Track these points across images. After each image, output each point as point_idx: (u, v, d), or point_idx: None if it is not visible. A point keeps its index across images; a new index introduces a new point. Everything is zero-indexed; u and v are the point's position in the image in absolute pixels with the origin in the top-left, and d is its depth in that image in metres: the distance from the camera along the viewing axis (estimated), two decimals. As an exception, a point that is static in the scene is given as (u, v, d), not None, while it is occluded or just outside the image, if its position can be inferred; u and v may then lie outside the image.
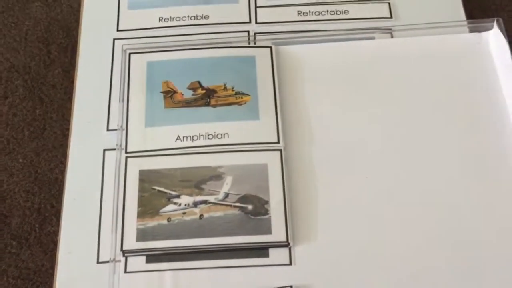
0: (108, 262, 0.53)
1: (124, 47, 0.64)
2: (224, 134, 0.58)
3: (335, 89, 0.62)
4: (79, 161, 0.59)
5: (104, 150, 0.59)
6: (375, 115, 0.60)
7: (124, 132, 0.59)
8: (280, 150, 0.57)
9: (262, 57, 0.62)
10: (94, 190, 0.57)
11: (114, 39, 0.66)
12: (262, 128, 0.58)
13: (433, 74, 0.62)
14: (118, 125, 0.59)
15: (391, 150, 0.59)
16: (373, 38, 0.64)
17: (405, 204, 0.56)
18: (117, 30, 0.67)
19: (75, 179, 0.58)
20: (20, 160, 0.63)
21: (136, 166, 0.57)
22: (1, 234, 0.59)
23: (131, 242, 0.53)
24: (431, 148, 0.60)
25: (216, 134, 0.58)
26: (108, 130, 0.60)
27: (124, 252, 0.53)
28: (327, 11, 0.66)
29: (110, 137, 0.59)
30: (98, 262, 0.54)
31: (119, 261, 0.53)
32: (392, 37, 0.65)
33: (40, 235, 0.60)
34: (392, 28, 0.64)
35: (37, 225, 0.60)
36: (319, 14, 0.66)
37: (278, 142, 0.58)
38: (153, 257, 0.53)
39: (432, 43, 0.63)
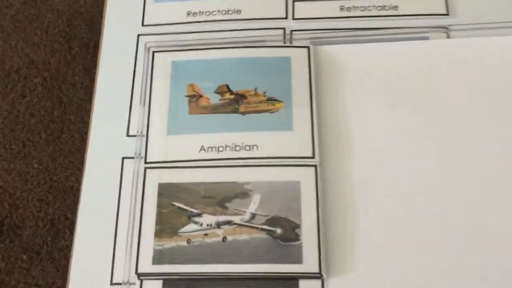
0: (121, 284, 0.50)
1: (148, 45, 0.60)
2: (253, 146, 0.54)
3: (381, 97, 0.56)
4: (97, 169, 0.56)
5: (123, 158, 0.56)
6: (427, 128, 0.54)
7: (144, 139, 0.55)
8: (315, 166, 0.52)
9: (298, 58, 0.57)
10: (110, 203, 0.54)
11: (138, 35, 0.62)
12: (296, 140, 0.54)
13: (495, 81, 0.56)
14: (138, 131, 0.56)
15: (444, 170, 0.53)
16: (426, 38, 0.58)
17: (457, 234, 0.50)
18: (142, 25, 0.63)
19: (91, 189, 0.55)
20: (36, 166, 0.60)
21: (155, 178, 0.53)
22: (12, 247, 0.56)
23: (146, 265, 0.50)
24: (492, 168, 0.53)
25: (244, 145, 0.54)
26: (128, 135, 0.57)
27: (139, 275, 0.50)
28: (374, 6, 0.61)
29: (130, 144, 0.56)
30: (111, 284, 0.51)
31: (134, 284, 0.50)
32: (448, 37, 0.59)
33: (52, 249, 0.57)
34: (449, 27, 0.58)
35: (49, 238, 0.57)
36: (364, 10, 0.61)
37: (313, 157, 0.53)
38: (170, 282, 0.50)
39: (494, 45, 0.57)
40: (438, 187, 0.52)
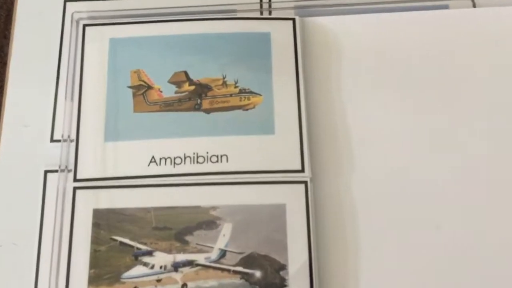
0: None
1: (76, 16, 0.49)
2: (221, 157, 0.43)
3: (389, 83, 0.47)
4: (9, 186, 0.46)
5: (46, 171, 0.46)
6: (446, 124, 0.45)
7: (73, 146, 0.45)
8: (306, 182, 0.43)
9: (280, 34, 0.47)
10: (29, 232, 0.44)
11: (65, 1, 0.51)
12: (279, 147, 0.44)
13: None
14: (63, 135, 0.45)
15: (471, 183, 0.43)
16: (446, 7, 0.49)
17: (485, 270, 0.42)
18: (71, -12, 0.53)
19: (2, 215, 0.45)
20: None
21: (89, 202, 0.43)
22: None
23: None
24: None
25: (209, 156, 0.43)
26: (52, 141, 0.47)
27: None
28: (379, -35, 0.53)
29: (55, 152, 0.45)
30: None
31: None
32: (474, 6, 0.50)
33: None
34: (474, -6, 0.51)
35: None
36: (364, -31, 0.53)
37: (303, 171, 0.43)
38: None
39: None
40: (462, 206, 0.43)
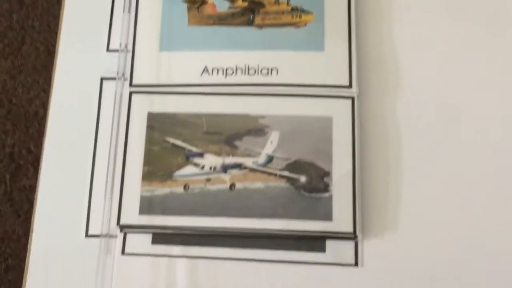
0: (99, 236, 0.42)
1: None
2: (271, 69, 0.44)
3: (441, 6, 0.46)
4: (68, 92, 0.47)
5: (102, 78, 0.47)
6: (496, 53, 0.44)
7: (130, 55, 0.46)
8: (353, 98, 0.43)
9: None
10: (85, 135, 0.46)
11: None
12: (328, 64, 0.44)
13: None
14: (121, 45, 0.46)
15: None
16: None
17: (506, 193, 0.42)
18: None
19: (60, 117, 0.47)
20: (-11, 84, 0.49)
21: (144, 106, 0.45)
22: (-42, 185, 0.46)
23: (132, 215, 0.42)
24: None
25: (260, 68, 0.45)
26: (108, 50, 0.48)
27: (122, 227, 0.43)
28: None
29: (111, 61, 0.47)
30: (86, 235, 0.43)
31: (115, 237, 0.43)
32: None
33: (11, 189, 0.47)
34: None
35: (8, 176, 0.47)
36: None
37: (350, 86, 0.44)
38: (161, 237, 0.42)
39: None
40: (503, 149, 0.43)
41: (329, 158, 0.41)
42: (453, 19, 0.46)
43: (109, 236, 0.42)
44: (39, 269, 0.42)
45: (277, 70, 0.44)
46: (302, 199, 0.41)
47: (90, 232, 0.43)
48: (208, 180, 0.42)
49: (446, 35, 0.45)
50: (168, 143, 0.43)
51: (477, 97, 0.44)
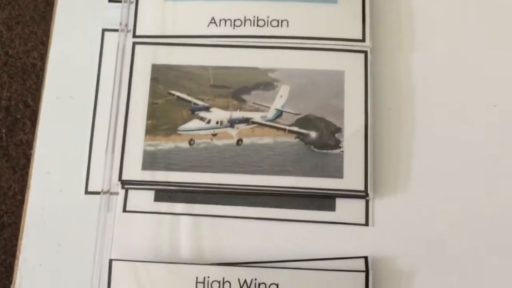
0: (100, 193, 0.40)
1: None
2: (281, 21, 0.42)
3: None
4: (67, 43, 0.45)
5: (103, 30, 0.45)
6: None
7: (133, 5, 0.44)
8: (366, 52, 0.42)
9: None
10: (85, 88, 0.44)
11: None
12: (341, 16, 0.43)
13: None
14: None
15: None
16: None
17: None
18: None
19: (59, 69, 0.45)
20: (-15, 35, 0.46)
21: (147, 57, 0.43)
22: (-47, 139, 0.44)
23: (134, 170, 0.40)
24: None
25: (270, 19, 0.43)
26: (110, 1, 0.46)
27: (123, 183, 0.41)
28: None
29: (113, 12, 0.45)
30: (86, 192, 0.42)
31: (116, 193, 0.41)
32: None
33: (7, 144, 0.45)
34: None
35: (4, 130, 0.45)
36: None
37: (364, 40, 0.42)
38: (164, 194, 0.40)
39: None
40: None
41: (340, 113, 0.40)
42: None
43: (110, 193, 0.40)
44: (36, 228, 0.41)
45: (288, 22, 0.42)
46: (312, 156, 0.39)
47: (90, 189, 0.41)
48: (214, 135, 0.40)
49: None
50: (172, 96, 0.41)
51: (493, 55, 0.42)
